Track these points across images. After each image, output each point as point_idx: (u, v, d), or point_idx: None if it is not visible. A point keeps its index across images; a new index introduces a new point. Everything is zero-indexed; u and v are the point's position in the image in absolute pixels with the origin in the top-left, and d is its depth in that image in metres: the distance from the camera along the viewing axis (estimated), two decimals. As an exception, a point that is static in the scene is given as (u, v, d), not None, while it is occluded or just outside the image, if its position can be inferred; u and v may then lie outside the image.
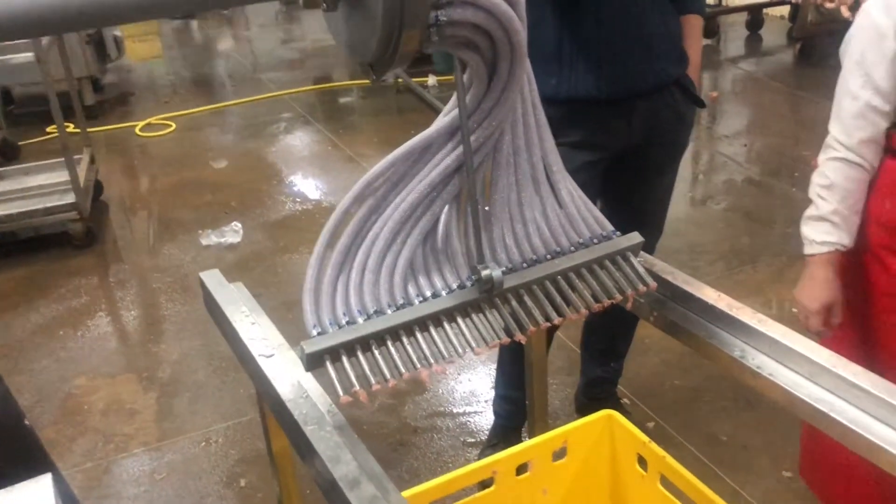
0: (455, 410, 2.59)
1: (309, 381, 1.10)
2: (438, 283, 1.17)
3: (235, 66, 6.97)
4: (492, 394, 2.46)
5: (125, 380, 2.83)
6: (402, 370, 1.09)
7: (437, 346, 1.12)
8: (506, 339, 1.14)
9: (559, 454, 1.51)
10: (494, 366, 2.43)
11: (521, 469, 1.49)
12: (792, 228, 3.55)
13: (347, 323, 1.11)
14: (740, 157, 4.40)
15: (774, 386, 1.07)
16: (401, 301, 1.14)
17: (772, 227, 3.65)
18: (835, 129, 1.61)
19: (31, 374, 2.87)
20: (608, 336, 2.41)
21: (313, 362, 1.07)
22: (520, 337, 1.15)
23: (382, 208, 1.18)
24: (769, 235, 3.57)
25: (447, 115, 1.15)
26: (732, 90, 5.66)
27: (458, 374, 2.75)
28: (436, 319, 1.14)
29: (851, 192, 1.60)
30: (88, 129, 4.44)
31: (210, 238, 3.70)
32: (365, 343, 1.10)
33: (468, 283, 1.16)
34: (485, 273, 1.13)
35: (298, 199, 4.15)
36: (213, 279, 1.36)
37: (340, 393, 1.05)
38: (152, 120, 5.42)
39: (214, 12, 8.15)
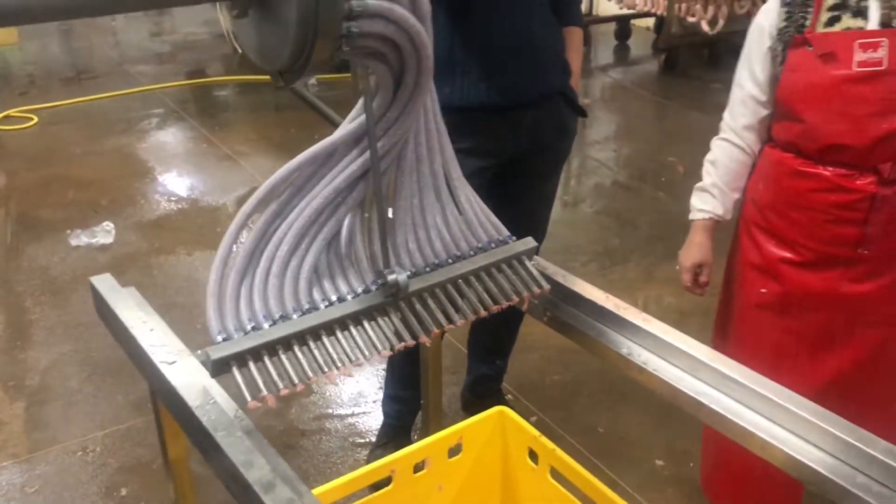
0: (343, 412, 2.60)
1: (214, 387, 1.09)
2: (343, 288, 1.19)
3: (101, 57, 6.64)
4: (380, 394, 2.49)
5: (-11, 389, 2.67)
6: (310, 374, 1.11)
7: (344, 350, 1.14)
8: (411, 342, 1.17)
9: (454, 451, 1.56)
10: (382, 367, 2.46)
11: (417, 467, 1.53)
12: (659, 230, 3.78)
13: (253, 328, 1.11)
14: (610, 161, 4.62)
15: (659, 380, 1.16)
16: (306, 306, 1.16)
17: (641, 229, 3.86)
18: (726, 113, 1.82)
19: None
20: (493, 335, 2.49)
21: (219, 368, 1.07)
22: (424, 339, 1.18)
23: (286, 213, 1.19)
24: (638, 237, 3.77)
25: (352, 122, 1.17)
26: (602, 97, 5.92)
27: (345, 376, 2.75)
28: (342, 323, 1.16)
29: (731, 170, 1.81)
30: (-61, 121, 4.13)
31: (80, 238, 3.52)
32: (271, 348, 1.10)
33: (373, 287, 1.19)
34: (391, 277, 1.16)
35: (173, 199, 4.02)
36: (104, 284, 1.32)
37: (248, 398, 1.05)
38: (11, 112, 5.09)
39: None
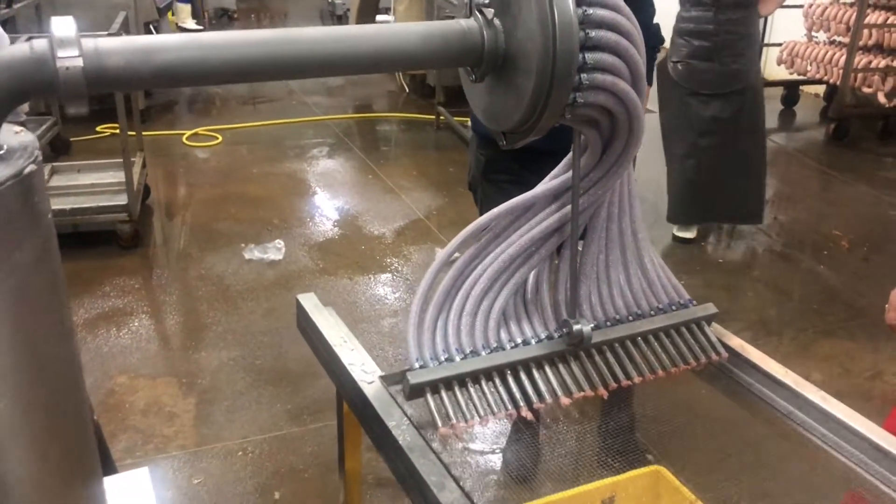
0: (483, 448, 2.67)
1: (408, 410, 1.19)
2: (528, 332, 1.27)
3: (277, 85, 7.12)
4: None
5: (165, 382, 2.92)
6: (495, 409, 1.19)
7: (526, 392, 1.22)
8: (589, 392, 1.23)
9: None
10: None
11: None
12: (818, 305, 3.65)
13: (446, 359, 1.21)
14: (767, 228, 4.50)
15: (839, 462, 1.16)
16: (494, 344, 1.24)
17: (797, 301, 3.74)
18: None
19: (73, 367, 2.96)
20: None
21: (415, 392, 1.17)
22: (602, 391, 1.24)
23: (482, 257, 1.29)
24: (794, 309, 3.65)
25: (555, 180, 1.26)
26: (763, 161, 5.77)
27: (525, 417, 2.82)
28: (525, 365, 1.24)
29: None
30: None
31: (253, 252, 3.80)
32: (462, 380, 1.19)
33: (556, 335, 1.26)
34: (576, 327, 1.23)
35: (338, 224, 4.26)
36: (309, 302, 1.46)
37: (439, 424, 1.14)
38: (200, 130, 5.56)
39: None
